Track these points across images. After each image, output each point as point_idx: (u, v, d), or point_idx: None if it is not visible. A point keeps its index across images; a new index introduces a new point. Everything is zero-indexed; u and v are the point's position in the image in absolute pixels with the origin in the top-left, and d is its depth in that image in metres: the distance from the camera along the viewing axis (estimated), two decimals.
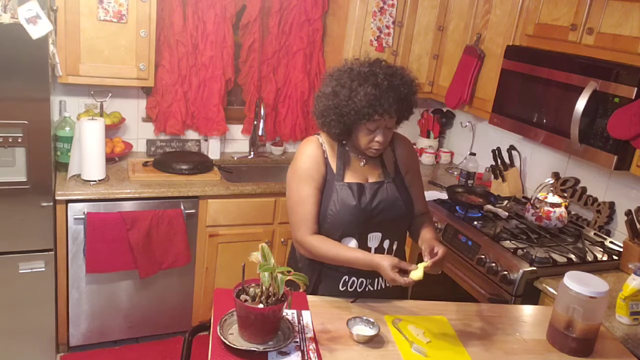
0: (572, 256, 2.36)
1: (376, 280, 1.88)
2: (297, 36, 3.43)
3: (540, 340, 1.73)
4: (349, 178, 1.83)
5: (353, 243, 1.82)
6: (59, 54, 2.68)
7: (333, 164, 1.84)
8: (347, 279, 1.86)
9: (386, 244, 1.87)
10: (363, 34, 3.25)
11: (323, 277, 1.88)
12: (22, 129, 2.46)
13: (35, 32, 2.33)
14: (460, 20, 3.23)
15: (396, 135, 1.92)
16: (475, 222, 2.65)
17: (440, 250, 1.69)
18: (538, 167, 3.09)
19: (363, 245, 1.83)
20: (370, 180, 1.85)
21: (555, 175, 2.92)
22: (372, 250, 1.84)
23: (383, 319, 1.72)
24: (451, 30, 3.31)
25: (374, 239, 1.84)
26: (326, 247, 1.78)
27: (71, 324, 2.90)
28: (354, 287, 1.87)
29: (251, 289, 1.50)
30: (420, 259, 1.72)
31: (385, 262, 1.66)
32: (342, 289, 1.87)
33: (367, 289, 1.88)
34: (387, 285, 1.89)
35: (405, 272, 1.65)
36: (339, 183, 1.81)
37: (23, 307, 2.67)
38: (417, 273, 1.63)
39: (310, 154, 1.83)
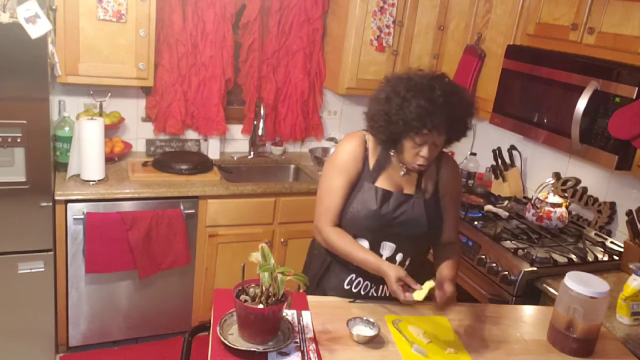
0: (573, 256, 2.35)
1: (381, 286, 1.87)
2: (297, 36, 3.43)
3: (540, 340, 1.73)
4: (381, 182, 1.80)
5: (365, 244, 1.81)
6: (58, 54, 2.68)
7: (372, 164, 1.82)
8: (353, 278, 1.86)
9: (399, 257, 1.84)
10: (363, 33, 3.24)
11: (332, 270, 1.88)
12: (21, 129, 2.45)
13: (35, 31, 2.32)
14: (461, 19, 3.22)
15: (445, 156, 1.87)
16: (476, 222, 2.65)
17: (448, 288, 1.65)
18: (539, 167, 3.08)
19: (375, 251, 1.81)
20: (404, 192, 1.82)
21: (556, 175, 2.91)
22: (383, 259, 1.81)
23: (383, 319, 1.71)
24: (452, 29, 3.31)
25: (387, 249, 1.82)
26: (342, 242, 1.78)
27: (70, 325, 2.89)
28: (358, 288, 1.87)
29: (251, 289, 1.50)
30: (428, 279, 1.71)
31: (391, 272, 1.65)
32: (346, 287, 1.87)
33: (370, 293, 1.87)
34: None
35: (409, 288, 1.64)
36: (368, 184, 1.80)
37: (22, 307, 2.66)
38: (419, 294, 1.62)
39: (350, 150, 1.81)
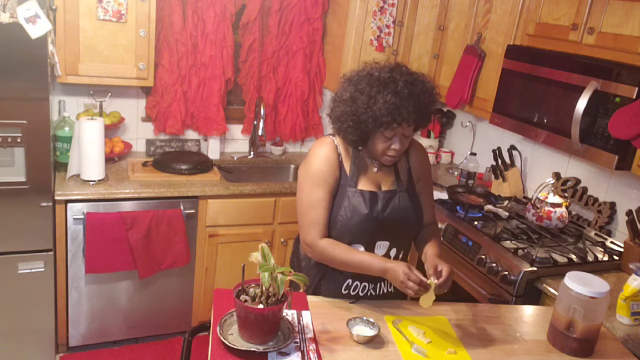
0: (573, 256, 2.35)
1: (378, 285, 1.87)
2: (297, 36, 3.43)
3: (540, 340, 1.73)
4: (362, 185, 1.80)
5: (360, 250, 1.81)
6: (58, 54, 2.68)
7: (347, 168, 1.80)
8: (350, 283, 1.85)
9: (393, 252, 1.85)
10: (363, 33, 3.24)
11: (326, 278, 1.86)
12: (22, 129, 2.45)
13: (35, 31, 2.32)
14: (461, 19, 3.22)
15: (411, 142, 1.88)
16: (476, 222, 2.64)
17: (444, 269, 1.66)
18: (539, 167, 3.08)
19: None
20: (383, 188, 1.82)
21: (556, 175, 2.91)
22: None
23: (383, 319, 1.71)
24: (451, 29, 3.31)
25: (381, 248, 1.82)
26: (339, 250, 1.75)
27: (71, 325, 2.89)
28: (356, 291, 1.86)
29: (251, 289, 1.50)
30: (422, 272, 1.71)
31: (398, 267, 1.64)
32: (344, 292, 1.86)
33: (369, 294, 1.87)
34: (390, 290, 1.89)
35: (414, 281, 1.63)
36: (351, 189, 1.78)
37: (22, 307, 2.66)
38: (426, 300, 1.62)
39: (324, 157, 1.78)
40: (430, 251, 1.82)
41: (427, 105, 1.72)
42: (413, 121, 1.69)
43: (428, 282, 1.63)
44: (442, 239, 2.61)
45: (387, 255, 1.84)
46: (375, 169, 1.83)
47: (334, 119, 1.77)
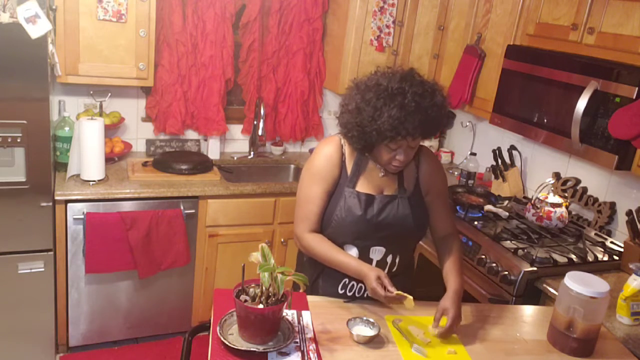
0: (573, 256, 2.35)
1: None
2: (297, 36, 3.43)
3: (540, 340, 1.73)
4: (361, 187, 1.79)
5: (354, 252, 1.81)
6: (58, 54, 2.68)
7: (349, 168, 1.80)
8: (347, 282, 1.85)
9: (389, 259, 1.84)
10: (363, 33, 3.24)
11: (324, 276, 1.87)
12: (21, 129, 2.45)
13: (35, 31, 2.32)
14: (461, 19, 3.22)
15: (424, 151, 1.85)
16: (476, 222, 2.64)
17: (450, 315, 1.65)
18: (539, 167, 3.08)
19: (365, 257, 1.81)
20: (385, 193, 1.81)
21: (556, 175, 2.91)
22: (374, 262, 1.82)
23: (383, 319, 1.72)
24: (452, 29, 3.31)
25: (376, 253, 1.82)
26: (321, 248, 1.78)
27: (71, 325, 2.89)
28: (352, 291, 1.86)
29: (251, 289, 1.50)
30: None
31: (372, 273, 1.66)
32: (340, 292, 1.86)
33: (365, 295, 1.86)
34: None
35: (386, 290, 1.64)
36: (348, 190, 1.78)
37: (22, 307, 2.66)
38: (409, 304, 1.63)
39: (327, 155, 1.80)
40: (450, 280, 1.80)
41: (435, 118, 1.65)
42: (419, 135, 1.66)
43: (401, 294, 1.63)
44: None
45: (383, 260, 1.83)
46: (382, 173, 1.82)
47: (340, 124, 1.76)
